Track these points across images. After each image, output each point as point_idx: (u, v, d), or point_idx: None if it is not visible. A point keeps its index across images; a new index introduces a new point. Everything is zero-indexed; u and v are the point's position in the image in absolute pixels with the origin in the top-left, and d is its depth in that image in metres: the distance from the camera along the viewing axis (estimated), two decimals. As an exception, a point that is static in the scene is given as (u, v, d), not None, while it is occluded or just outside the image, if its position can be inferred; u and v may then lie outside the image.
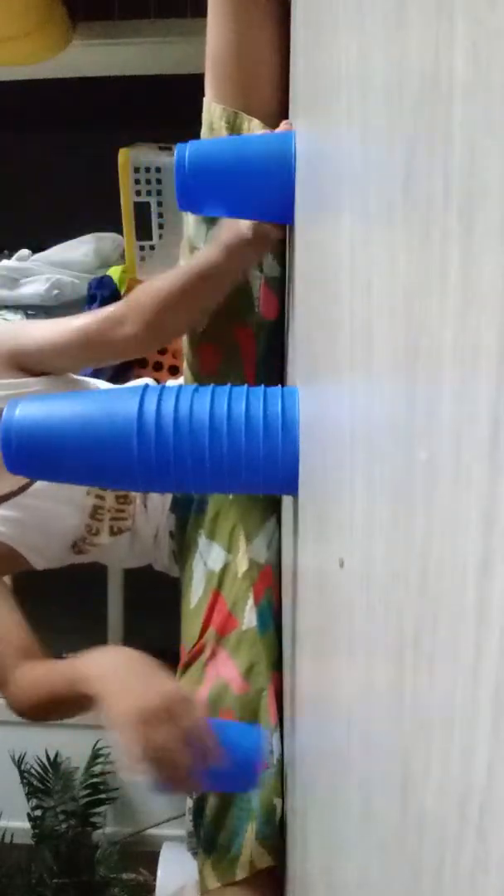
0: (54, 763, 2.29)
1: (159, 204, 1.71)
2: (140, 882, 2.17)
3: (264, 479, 0.74)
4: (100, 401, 0.76)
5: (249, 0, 0.98)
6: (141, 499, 1.15)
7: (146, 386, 0.77)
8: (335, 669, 0.37)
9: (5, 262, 1.91)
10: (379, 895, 0.25)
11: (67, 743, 2.32)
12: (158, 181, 1.70)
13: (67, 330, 1.05)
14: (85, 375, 1.21)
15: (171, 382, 1.23)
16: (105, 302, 1.65)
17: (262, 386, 0.76)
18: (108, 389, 0.91)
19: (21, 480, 1.04)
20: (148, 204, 1.71)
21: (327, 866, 0.42)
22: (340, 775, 0.35)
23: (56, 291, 1.84)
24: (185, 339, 1.15)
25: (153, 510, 1.16)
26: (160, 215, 1.72)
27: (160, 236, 1.74)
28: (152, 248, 1.75)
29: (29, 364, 1.07)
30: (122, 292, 1.66)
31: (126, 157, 1.68)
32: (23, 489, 1.05)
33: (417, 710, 0.20)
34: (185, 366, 1.18)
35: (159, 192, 1.70)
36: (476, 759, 0.15)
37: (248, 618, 1.10)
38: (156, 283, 1.02)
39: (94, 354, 1.09)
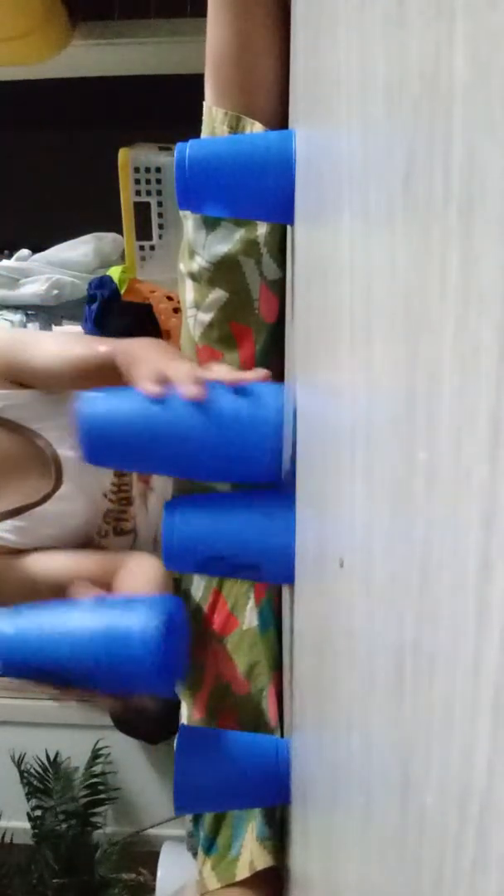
0: (54, 763, 2.29)
1: (159, 204, 1.71)
2: (140, 882, 2.17)
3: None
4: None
5: (249, 0, 0.98)
6: (141, 500, 1.15)
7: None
8: (335, 669, 0.37)
9: (5, 262, 1.91)
10: (379, 895, 0.25)
11: (67, 743, 2.32)
12: (158, 181, 1.70)
13: (68, 358, 1.06)
14: None
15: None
16: (105, 302, 1.65)
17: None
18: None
19: (44, 489, 1.05)
20: (148, 204, 1.71)
21: (327, 866, 0.42)
22: (340, 775, 0.35)
23: (56, 291, 1.85)
24: (183, 341, 1.15)
25: (153, 511, 1.16)
26: (160, 215, 1.72)
27: (160, 236, 1.74)
28: (152, 248, 1.75)
29: (21, 379, 1.08)
30: (122, 292, 1.66)
31: (126, 157, 1.68)
32: (45, 498, 1.06)
33: (417, 710, 0.20)
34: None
35: (159, 192, 1.70)
36: (476, 759, 0.15)
37: (249, 617, 1.10)
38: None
39: (87, 385, 1.12)
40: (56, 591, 1.02)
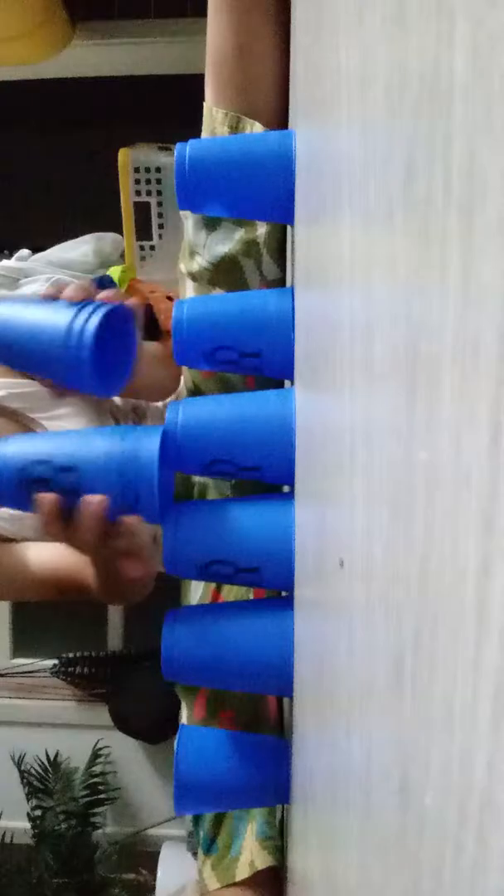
0: (54, 763, 2.29)
1: (159, 204, 1.71)
2: (140, 882, 2.17)
3: None
4: None
5: (250, 0, 0.98)
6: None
7: None
8: (335, 669, 0.37)
9: (5, 262, 1.91)
10: (379, 895, 0.25)
11: (67, 743, 2.32)
12: (158, 181, 1.69)
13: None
14: None
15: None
16: (105, 302, 1.64)
17: None
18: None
19: None
20: (148, 204, 1.71)
21: (327, 866, 0.42)
22: (340, 775, 0.35)
23: (56, 291, 1.84)
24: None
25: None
26: (160, 215, 1.72)
27: (160, 236, 1.74)
28: (152, 248, 1.75)
29: None
30: (122, 292, 1.66)
31: (126, 157, 1.68)
32: None
33: (417, 710, 0.20)
34: (184, 368, 1.18)
35: (159, 192, 1.70)
36: (476, 759, 0.15)
37: (249, 618, 1.10)
38: None
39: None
40: (43, 583, 1.02)
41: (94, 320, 0.83)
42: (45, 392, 1.08)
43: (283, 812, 0.97)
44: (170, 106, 1.81)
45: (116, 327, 0.87)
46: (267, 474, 0.81)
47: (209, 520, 0.81)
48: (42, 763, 2.28)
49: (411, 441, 0.21)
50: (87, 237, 1.99)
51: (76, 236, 2.00)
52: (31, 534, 1.07)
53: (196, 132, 1.04)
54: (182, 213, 1.10)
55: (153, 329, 1.55)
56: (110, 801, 2.30)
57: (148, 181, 1.70)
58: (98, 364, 0.83)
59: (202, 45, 1.03)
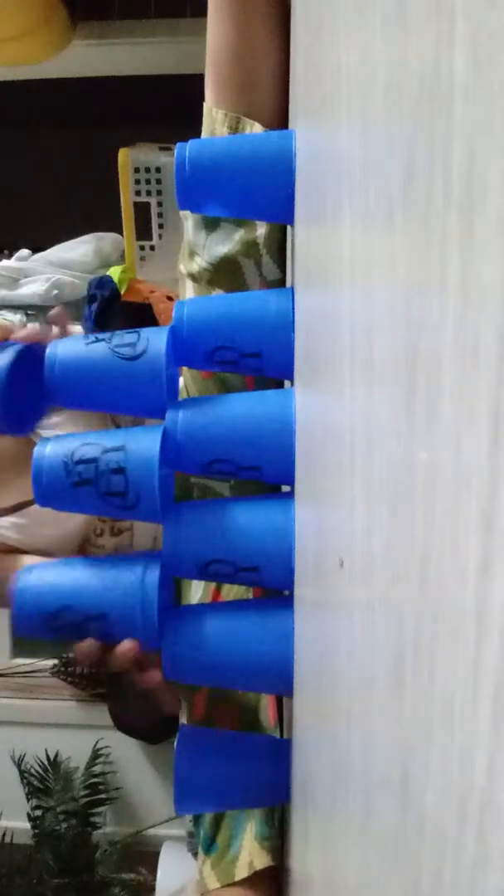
0: (54, 763, 2.29)
1: (159, 204, 1.71)
2: (140, 882, 2.17)
3: None
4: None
5: (250, 0, 0.98)
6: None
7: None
8: (335, 669, 0.37)
9: (5, 262, 1.91)
10: (379, 895, 0.25)
11: (67, 743, 2.32)
12: (158, 181, 1.70)
13: None
14: None
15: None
16: (105, 302, 1.65)
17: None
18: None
19: None
20: (148, 204, 1.71)
21: (327, 866, 0.42)
22: (340, 775, 0.35)
23: (56, 291, 1.85)
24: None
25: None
26: (160, 215, 1.72)
27: (160, 236, 1.74)
28: (152, 248, 1.76)
29: None
30: (122, 292, 1.66)
31: (126, 157, 1.68)
32: None
33: (417, 710, 0.20)
34: (184, 369, 1.18)
35: (159, 192, 1.71)
36: (476, 759, 0.15)
37: (248, 618, 1.10)
38: None
39: None
40: None
41: (4, 361, 0.83)
42: None
43: (282, 812, 0.97)
44: (170, 106, 1.81)
45: (27, 370, 0.87)
46: (267, 474, 0.81)
47: (209, 520, 0.81)
48: (42, 763, 2.28)
49: (411, 441, 0.21)
50: (87, 237, 1.99)
51: (76, 236, 2.00)
52: (42, 544, 1.07)
53: (196, 132, 1.04)
54: (182, 213, 1.10)
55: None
56: (110, 801, 2.30)
57: (148, 181, 1.70)
58: (8, 403, 0.84)
59: (202, 45, 1.03)
